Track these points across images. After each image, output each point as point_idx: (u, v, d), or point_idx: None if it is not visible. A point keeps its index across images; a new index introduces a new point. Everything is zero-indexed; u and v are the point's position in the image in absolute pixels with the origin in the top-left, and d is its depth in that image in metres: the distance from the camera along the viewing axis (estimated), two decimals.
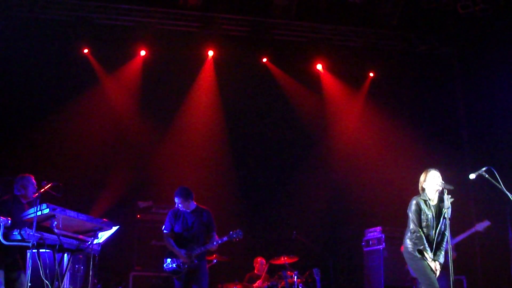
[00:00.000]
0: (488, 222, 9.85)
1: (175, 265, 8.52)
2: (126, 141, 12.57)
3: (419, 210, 7.21)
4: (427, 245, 7.14)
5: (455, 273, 7.00)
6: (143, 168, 12.50)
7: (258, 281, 11.01)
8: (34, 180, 8.00)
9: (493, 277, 11.08)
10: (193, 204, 8.82)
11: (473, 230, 9.60)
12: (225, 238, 8.68)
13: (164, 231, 8.81)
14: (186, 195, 8.71)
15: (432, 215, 7.21)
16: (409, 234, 7.30)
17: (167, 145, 12.66)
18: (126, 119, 12.60)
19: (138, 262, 11.01)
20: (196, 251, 8.51)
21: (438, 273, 7.15)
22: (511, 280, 10.34)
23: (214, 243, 8.63)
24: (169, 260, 8.59)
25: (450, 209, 7.20)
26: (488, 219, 9.92)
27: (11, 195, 7.97)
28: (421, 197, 7.29)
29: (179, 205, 8.72)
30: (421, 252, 7.16)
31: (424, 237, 7.16)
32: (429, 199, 7.26)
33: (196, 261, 8.48)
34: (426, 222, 7.20)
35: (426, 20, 12.80)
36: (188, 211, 8.76)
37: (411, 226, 7.24)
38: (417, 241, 7.15)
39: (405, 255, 7.33)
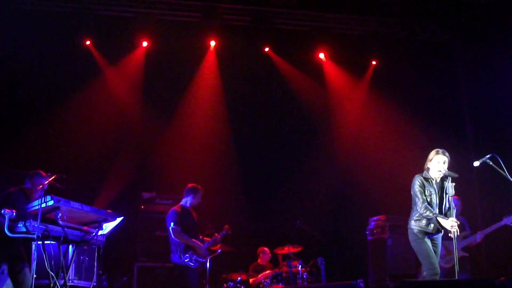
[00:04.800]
0: None
1: (196, 257, 8.84)
2: (130, 132, 12.58)
3: (422, 186, 7.25)
4: (435, 211, 7.15)
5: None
6: (146, 159, 12.52)
7: (263, 272, 11.04)
8: (46, 186, 7.93)
9: (497, 261, 11.09)
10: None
11: (502, 223, 9.52)
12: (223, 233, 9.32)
13: (177, 227, 8.88)
14: (196, 191, 9.16)
15: (435, 192, 7.24)
16: (414, 214, 7.30)
17: (170, 136, 12.66)
18: (129, 110, 12.61)
19: (142, 253, 11.04)
20: (208, 243, 9.05)
21: (455, 226, 7.03)
22: None
23: (220, 236, 9.27)
24: (187, 255, 8.80)
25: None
26: (498, 212, 9.84)
27: (18, 188, 7.95)
28: (423, 175, 7.33)
29: (192, 201, 9.13)
30: (425, 232, 7.18)
31: (430, 207, 7.15)
32: (431, 178, 7.29)
33: (208, 253, 9.00)
34: (430, 198, 7.22)
35: (427, 8, 12.75)
36: (188, 207, 9.12)
37: (416, 201, 7.24)
38: (426, 213, 7.13)
39: (410, 237, 7.35)
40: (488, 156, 7.05)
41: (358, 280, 10.26)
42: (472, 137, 12.62)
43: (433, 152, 7.37)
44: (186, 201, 9.13)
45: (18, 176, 9.73)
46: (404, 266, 10.72)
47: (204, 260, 8.93)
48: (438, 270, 7.12)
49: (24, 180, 8.12)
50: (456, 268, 6.99)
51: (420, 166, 7.45)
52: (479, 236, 9.52)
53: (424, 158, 7.46)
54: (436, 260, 7.17)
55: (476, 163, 7.11)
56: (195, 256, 8.78)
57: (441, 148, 7.41)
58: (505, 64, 11.54)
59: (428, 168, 7.35)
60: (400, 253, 10.70)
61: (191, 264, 8.76)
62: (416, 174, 7.40)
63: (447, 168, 7.24)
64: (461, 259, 8.79)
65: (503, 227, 9.43)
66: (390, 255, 10.90)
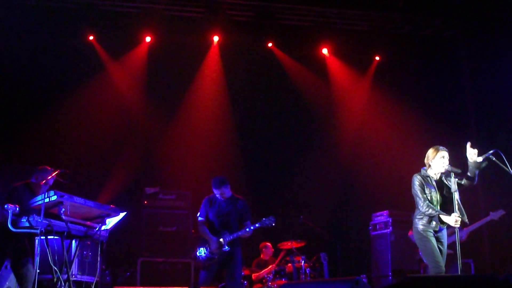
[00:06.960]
0: (503, 211, 9.74)
1: (208, 252, 8.52)
2: (133, 127, 12.60)
3: (422, 185, 7.27)
4: (437, 208, 7.16)
5: (462, 257, 7.01)
6: (150, 154, 12.53)
7: (266, 267, 11.05)
8: (51, 181, 7.93)
9: (501, 261, 11.07)
10: (229, 193, 8.79)
11: (488, 218, 9.53)
12: (257, 224, 8.64)
13: (199, 218, 8.77)
14: (221, 183, 8.69)
15: (435, 189, 7.25)
16: (417, 213, 7.31)
17: (174, 131, 12.67)
18: (132, 106, 12.62)
19: (146, 248, 11.02)
20: (228, 238, 8.49)
21: (459, 221, 7.07)
22: None
23: (247, 229, 8.57)
24: (202, 248, 8.60)
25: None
26: (502, 207, 9.85)
27: (23, 182, 7.96)
28: (421, 174, 7.34)
29: (217, 195, 8.70)
30: (429, 231, 7.18)
31: (431, 205, 7.17)
32: (430, 176, 7.30)
33: (227, 248, 8.46)
34: (430, 195, 7.23)
35: (432, 2, 12.72)
36: (223, 199, 8.75)
37: (418, 201, 7.26)
38: (428, 212, 7.14)
39: (415, 236, 7.35)
40: (491, 151, 7.03)
41: (361, 276, 10.29)
42: (475, 132, 12.59)
43: (433, 150, 7.36)
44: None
45: (22, 171, 9.77)
46: (407, 262, 10.71)
47: (213, 256, 8.47)
48: (443, 268, 7.12)
49: (29, 174, 8.14)
50: (459, 262, 6.98)
51: (423, 162, 7.45)
52: (465, 233, 9.50)
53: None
54: (441, 259, 7.17)
55: (479, 159, 7.10)
56: (208, 249, 8.52)
57: (443, 143, 7.42)
58: (509, 59, 11.51)
59: (430, 166, 7.35)
60: (403, 248, 10.70)
61: (201, 258, 8.58)
62: (418, 170, 7.41)
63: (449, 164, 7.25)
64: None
65: (488, 223, 9.44)
66: (393, 250, 10.91)
